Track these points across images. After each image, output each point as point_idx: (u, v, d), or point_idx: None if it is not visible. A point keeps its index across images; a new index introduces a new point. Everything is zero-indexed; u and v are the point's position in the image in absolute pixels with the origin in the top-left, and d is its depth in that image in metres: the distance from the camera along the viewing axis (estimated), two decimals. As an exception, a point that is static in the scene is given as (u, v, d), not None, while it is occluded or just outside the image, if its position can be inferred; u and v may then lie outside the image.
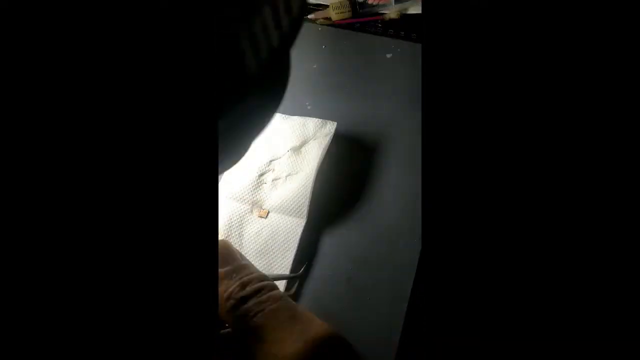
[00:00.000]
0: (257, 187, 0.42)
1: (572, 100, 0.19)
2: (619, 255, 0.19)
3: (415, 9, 0.56)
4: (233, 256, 0.33)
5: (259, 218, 0.41)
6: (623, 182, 0.19)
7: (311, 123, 0.45)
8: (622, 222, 0.19)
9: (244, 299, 0.30)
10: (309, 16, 0.56)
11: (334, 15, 0.55)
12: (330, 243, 0.40)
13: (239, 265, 0.32)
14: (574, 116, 0.19)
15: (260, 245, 0.40)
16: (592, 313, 0.19)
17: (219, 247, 0.33)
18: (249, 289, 0.30)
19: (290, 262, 0.39)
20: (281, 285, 0.38)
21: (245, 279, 0.31)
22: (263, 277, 0.32)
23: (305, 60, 0.53)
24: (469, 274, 0.20)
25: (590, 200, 0.19)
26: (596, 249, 0.19)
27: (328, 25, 0.56)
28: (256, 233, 0.40)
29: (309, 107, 0.49)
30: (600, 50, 0.18)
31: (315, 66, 0.52)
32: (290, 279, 0.38)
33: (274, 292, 0.32)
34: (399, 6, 0.56)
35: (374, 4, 0.56)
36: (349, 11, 0.55)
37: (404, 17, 0.55)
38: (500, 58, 0.19)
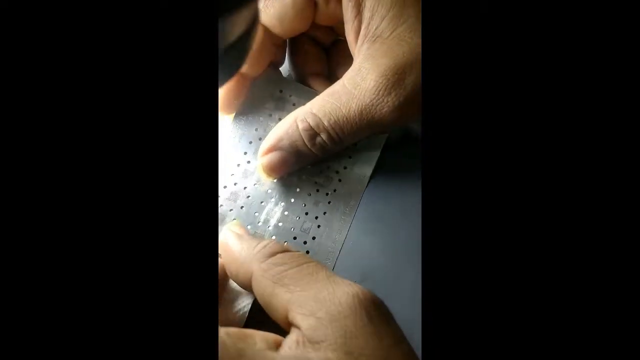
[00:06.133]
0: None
1: (573, 103, 0.19)
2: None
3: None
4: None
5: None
6: (623, 185, 0.18)
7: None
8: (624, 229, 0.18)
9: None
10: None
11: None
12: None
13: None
14: (575, 119, 0.19)
15: None
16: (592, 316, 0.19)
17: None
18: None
19: None
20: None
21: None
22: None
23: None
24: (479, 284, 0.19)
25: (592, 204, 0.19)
26: (598, 253, 0.18)
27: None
28: None
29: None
30: (600, 55, 0.18)
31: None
32: None
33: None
34: None
35: None
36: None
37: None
38: (500, 61, 0.19)
